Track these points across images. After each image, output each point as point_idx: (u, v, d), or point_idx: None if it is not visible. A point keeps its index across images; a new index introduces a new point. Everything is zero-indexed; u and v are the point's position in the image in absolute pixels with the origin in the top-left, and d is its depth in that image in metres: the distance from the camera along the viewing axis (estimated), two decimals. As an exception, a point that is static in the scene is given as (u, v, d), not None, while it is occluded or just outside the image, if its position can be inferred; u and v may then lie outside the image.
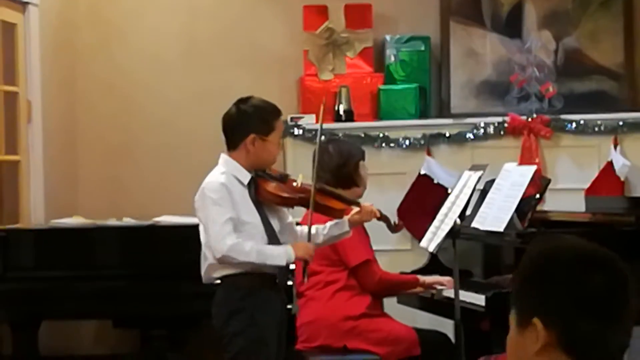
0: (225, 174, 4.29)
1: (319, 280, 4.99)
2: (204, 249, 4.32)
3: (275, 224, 4.37)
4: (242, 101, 4.42)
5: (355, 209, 4.53)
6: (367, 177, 5.13)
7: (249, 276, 4.26)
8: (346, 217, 4.50)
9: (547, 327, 1.78)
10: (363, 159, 5.16)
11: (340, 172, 4.92)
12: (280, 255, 4.25)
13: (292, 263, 4.42)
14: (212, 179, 4.29)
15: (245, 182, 4.31)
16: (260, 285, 4.28)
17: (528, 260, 1.85)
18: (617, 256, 1.82)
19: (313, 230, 4.44)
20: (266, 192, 4.34)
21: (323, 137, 5.62)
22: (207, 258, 4.29)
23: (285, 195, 4.36)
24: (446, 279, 5.06)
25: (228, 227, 4.17)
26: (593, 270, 1.79)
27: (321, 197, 4.43)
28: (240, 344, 4.25)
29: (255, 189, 4.34)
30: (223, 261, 4.20)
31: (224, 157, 4.37)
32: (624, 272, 1.80)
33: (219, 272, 4.28)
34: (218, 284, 4.31)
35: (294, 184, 4.43)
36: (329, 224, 4.50)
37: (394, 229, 4.73)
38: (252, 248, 4.19)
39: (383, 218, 4.66)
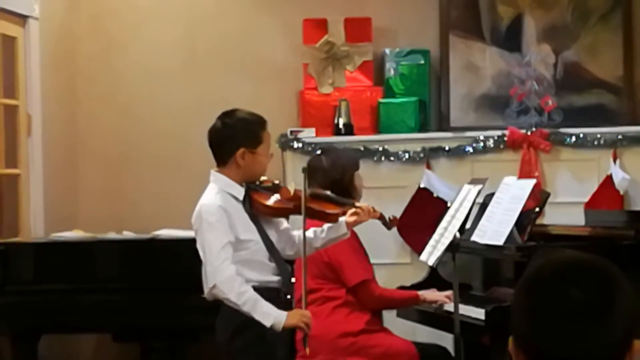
0: (220, 193, 4.23)
1: (318, 296, 4.98)
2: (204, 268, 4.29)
3: (272, 235, 4.34)
4: (226, 115, 4.35)
5: (352, 210, 4.51)
6: (362, 186, 5.13)
7: (255, 291, 4.19)
8: (343, 219, 4.45)
9: (516, 347, 1.81)
10: (357, 168, 5.16)
11: (335, 187, 4.85)
12: (270, 315, 4.10)
13: (281, 329, 4.15)
14: (208, 200, 4.22)
15: (240, 197, 4.27)
16: (266, 299, 4.22)
17: None
18: (601, 271, 1.82)
19: (311, 234, 4.39)
20: (260, 205, 4.30)
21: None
22: (210, 278, 4.27)
23: (279, 206, 4.33)
24: (446, 293, 5.05)
25: (225, 253, 4.11)
26: (568, 284, 1.80)
27: (315, 203, 4.40)
28: (249, 358, 4.23)
29: (249, 202, 4.31)
30: (212, 292, 4.11)
31: (214, 174, 4.31)
32: (603, 289, 1.80)
33: None
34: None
35: (287, 192, 4.40)
36: (326, 226, 4.45)
37: (389, 225, 4.72)
38: (248, 293, 4.09)
39: (379, 215, 4.64)
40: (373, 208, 4.60)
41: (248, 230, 4.24)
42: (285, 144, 6.42)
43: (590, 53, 6.71)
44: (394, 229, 5.20)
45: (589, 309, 1.76)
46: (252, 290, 4.12)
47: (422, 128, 6.62)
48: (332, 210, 4.44)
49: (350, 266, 4.95)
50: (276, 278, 4.27)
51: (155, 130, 6.95)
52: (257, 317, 4.09)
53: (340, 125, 6.55)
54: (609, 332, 1.77)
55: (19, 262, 5.89)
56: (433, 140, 6.49)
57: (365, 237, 5.12)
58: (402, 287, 5.45)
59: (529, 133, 6.44)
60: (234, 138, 4.27)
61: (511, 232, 4.70)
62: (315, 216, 4.39)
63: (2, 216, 6.30)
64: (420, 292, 5.15)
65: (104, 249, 6.04)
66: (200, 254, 4.26)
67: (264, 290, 4.23)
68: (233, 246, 4.15)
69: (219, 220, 4.16)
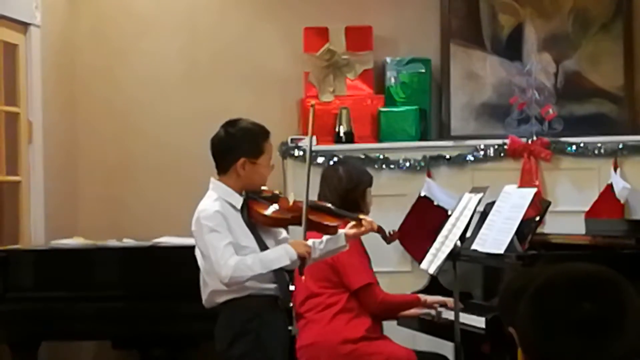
0: (219, 200, 4.25)
1: (318, 302, 4.98)
2: (203, 275, 4.29)
3: (270, 244, 4.35)
4: (230, 124, 4.37)
5: (352, 223, 4.51)
6: (372, 203, 5.15)
7: (253, 298, 4.23)
8: (342, 231, 4.46)
9: (524, 352, 1.81)
10: (370, 185, 5.17)
11: (347, 196, 4.90)
12: (281, 256, 4.21)
13: (295, 260, 4.26)
14: (206, 206, 4.25)
15: (238, 206, 4.29)
16: (264, 306, 4.25)
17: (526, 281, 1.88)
18: (613, 283, 1.82)
19: (310, 245, 4.41)
20: (258, 215, 4.31)
21: (332, 160, 5.61)
22: (208, 285, 4.27)
23: (277, 216, 4.34)
24: (448, 298, 5.05)
25: (229, 250, 4.14)
26: (581, 297, 1.79)
27: (314, 214, 4.40)
28: None
29: (247, 211, 4.32)
30: (231, 284, 4.15)
31: (214, 182, 4.34)
32: (615, 301, 1.80)
33: (222, 297, 4.25)
34: (221, 307, 4.27)
35: (286, 203, 4.40)
36: (325, 237, 4.46)
37: (388, 239, 4.72)
38: (254, 259, 4.16)
39: (378, 229, 4.64)
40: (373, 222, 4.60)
41: (245, 238, 4.25)
42: (286, 152, 6.43)
43: (591, 62, 6.71)
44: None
45: (602, 322, 1.77)
46: (250, 256, 4.17)
47: (423, 136, 6.63)
48: (331, 222, 4.44)
49: (355, 269, 4.95)
50: (273, 286, 4.27)
51: (156, 139, 6.95)
52: (275, 266, 4.18)
53: (341, 134, 6.55)
54: (622, 344, 1.78)
55: (19, 269, 5.89)
56: (434, 149, 6.50)
57: (366, 245, 5.12)
58: (402, 295, 5.45)
59: (529, 142, 6.44)
60: (236, 147, 4.29)
61: (512, 240, 4.69)
62: (314, 227, 4.39)
63: (3, 223, 6.31)
64: (421, 295, 5.15)
65: (104, 257, 6.04)
66: (199, 259, 4.27)
67: (261, 298, 4.24)
68: (234, 247, 4.17)
69: (218, 225, 4.18)
